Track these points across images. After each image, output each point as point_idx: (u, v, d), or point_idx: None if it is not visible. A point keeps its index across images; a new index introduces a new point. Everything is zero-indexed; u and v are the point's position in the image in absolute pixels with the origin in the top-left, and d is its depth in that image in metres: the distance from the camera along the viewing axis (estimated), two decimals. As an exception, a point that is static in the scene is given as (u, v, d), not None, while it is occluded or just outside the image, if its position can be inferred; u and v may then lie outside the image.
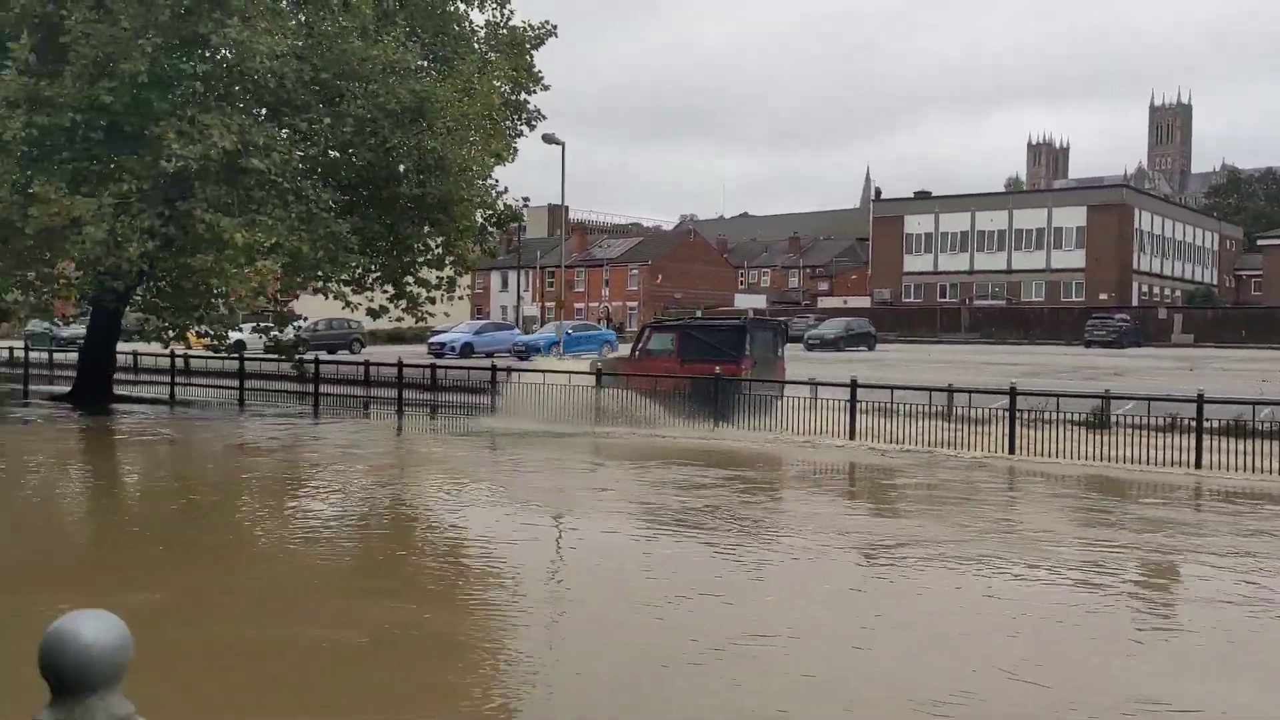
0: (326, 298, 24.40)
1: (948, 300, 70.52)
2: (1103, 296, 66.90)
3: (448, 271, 25.55)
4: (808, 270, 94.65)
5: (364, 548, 11.51)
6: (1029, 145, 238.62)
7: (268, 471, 17.39)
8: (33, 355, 39.43)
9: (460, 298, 29.56)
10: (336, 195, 23.49)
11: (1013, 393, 18.33)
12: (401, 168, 24.14)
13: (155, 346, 42.16)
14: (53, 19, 21.07)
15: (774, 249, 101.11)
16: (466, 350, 44.56)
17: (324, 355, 30.56)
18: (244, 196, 21.36)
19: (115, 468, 18.43)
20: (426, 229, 25.13)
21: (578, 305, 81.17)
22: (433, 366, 26.59)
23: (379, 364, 28.03)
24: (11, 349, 41.23)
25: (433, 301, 25.63)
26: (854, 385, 19.74)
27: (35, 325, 53.25)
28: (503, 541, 11.22)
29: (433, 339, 47.47)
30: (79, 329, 53.76)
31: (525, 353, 42.94)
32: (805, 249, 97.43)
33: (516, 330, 51.86)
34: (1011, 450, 17.85)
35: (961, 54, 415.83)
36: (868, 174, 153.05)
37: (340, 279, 24.14)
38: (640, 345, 23.98)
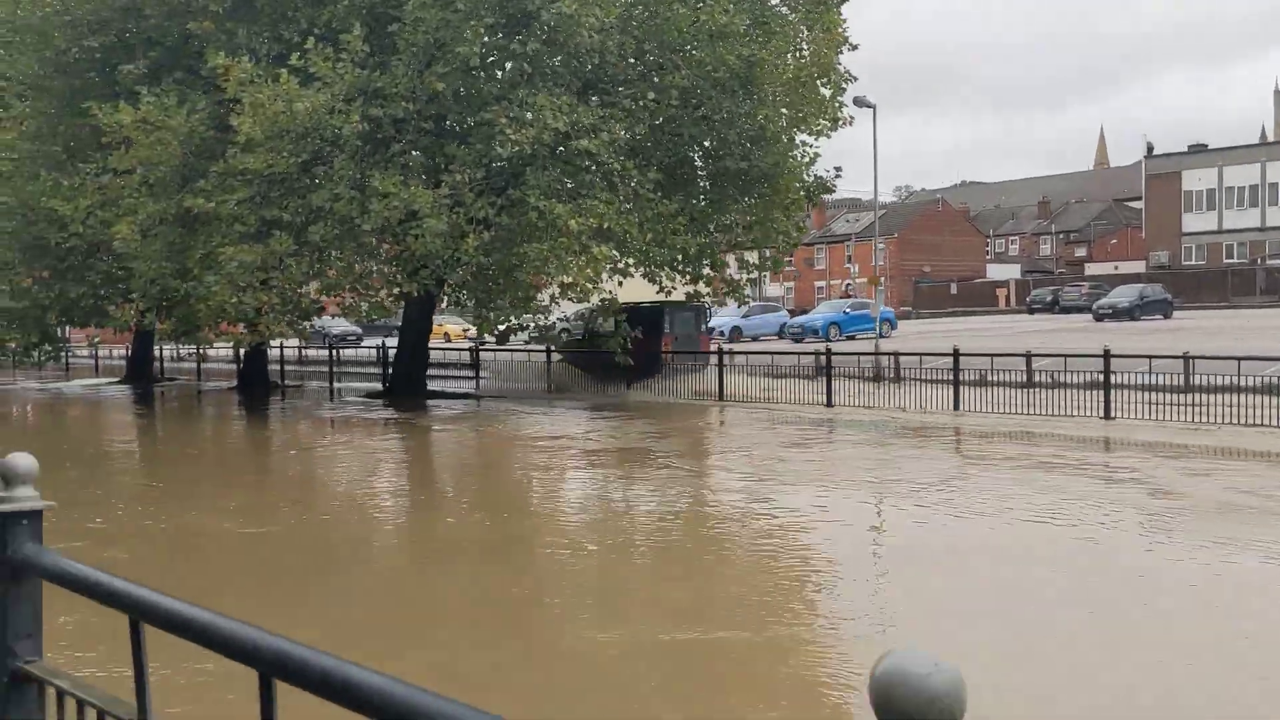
0: (653, 282, 23.20)
1: (1236, 261, 64.15)
2: None
3: (773, 251, 23.95)
4: (1060, 236, 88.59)
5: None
6: (1276, 91, 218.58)
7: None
8: (315, 353, 40.20)
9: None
10: (658, 174, 22.22)
11: None
12: (717, 140, 22.70)
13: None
14: (378, 9, 20.61)
15: (1021, 216, 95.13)
16: (735, 334, 42.85)
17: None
18: (573, 180, 20.37)
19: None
20: (746, 203, 23.56)
21: (819, 283, 78.63)
22: (727, 352, 25.70)
23: (674, 352, 27.11)
24: (299, 348, 42.06)
25: (754, 284, 24.15)
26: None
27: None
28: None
29: (699, 323, 46.27)
30: (349, 326, 55.59)
31: (800, 335, 41.01)
32: (1056, 214, 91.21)
33: (784, 312, 49.73)
34: None
35: (1189, 4, 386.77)
36: (1101, 133, 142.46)
37: (662, 262, 22.92)
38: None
